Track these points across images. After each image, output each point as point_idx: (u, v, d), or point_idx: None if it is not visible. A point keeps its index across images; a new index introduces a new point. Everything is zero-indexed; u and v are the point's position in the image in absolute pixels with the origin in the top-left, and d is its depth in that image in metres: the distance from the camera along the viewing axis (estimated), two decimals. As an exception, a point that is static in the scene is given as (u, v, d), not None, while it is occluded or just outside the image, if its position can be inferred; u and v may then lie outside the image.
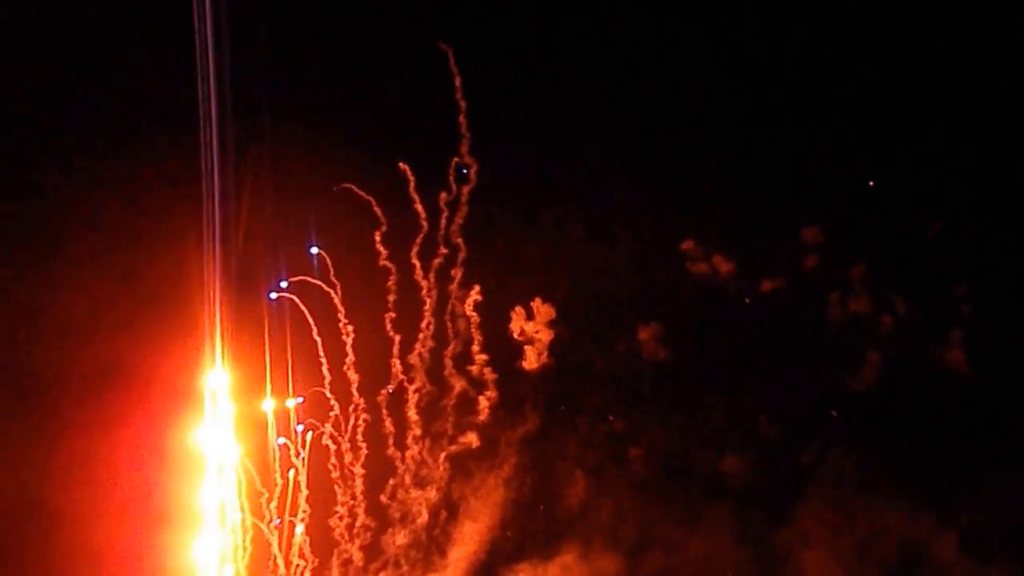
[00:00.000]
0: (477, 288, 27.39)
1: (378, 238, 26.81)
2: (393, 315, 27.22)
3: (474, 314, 27.50)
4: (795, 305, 27.66)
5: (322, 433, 27.18)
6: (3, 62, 25.11)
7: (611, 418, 28.30)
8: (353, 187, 26.28)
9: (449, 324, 27.48)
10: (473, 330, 27.56)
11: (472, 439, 27.65)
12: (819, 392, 27.56)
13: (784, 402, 27.58)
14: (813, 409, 27.62)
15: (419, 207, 26.53)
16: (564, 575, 27.67)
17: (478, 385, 27.69)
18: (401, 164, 26.21)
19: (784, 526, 27.35)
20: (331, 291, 27.06)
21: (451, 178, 26.44)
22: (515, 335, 27.80)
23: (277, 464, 26.88)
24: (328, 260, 27.12)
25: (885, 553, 26.93)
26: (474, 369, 27.64)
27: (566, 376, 28.14)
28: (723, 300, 28.02)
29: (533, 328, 27.83)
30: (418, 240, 26.83)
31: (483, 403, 27.61)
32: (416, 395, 27.48)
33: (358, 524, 27.37)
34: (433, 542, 27.82)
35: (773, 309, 27.75)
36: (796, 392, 27.54)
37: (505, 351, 27.74)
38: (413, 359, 27.43)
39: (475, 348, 27.57)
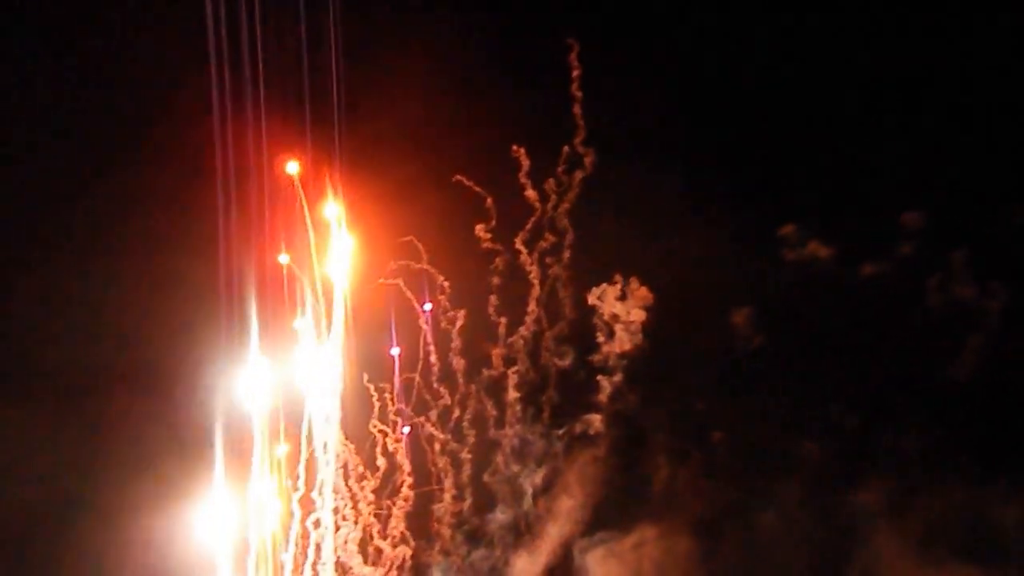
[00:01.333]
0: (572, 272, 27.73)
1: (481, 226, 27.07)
2: (496, 299, 27.58)
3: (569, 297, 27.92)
4: (893, 291, 27.94)
5: (426, 418, 27.60)
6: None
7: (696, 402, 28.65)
8: (463, 178, 26.36)
9: (549, 308, 27.86)
10: (573, 312, 27.95)
11: (572, 421, 28.05)
12: (909, 377, 27.77)
13: (871, 387, 27.91)
14: (901, 394, 27.84)
15: (530, 192, 26.60)
16: (638, 550, 28.19)
17: (577, 368, 28.12)
18: (515, 147, 26.20)
19: (859, 507, 27.75)
20: (436, 277, 27.31)
21: (561, 168, 26.55)
22: (609, 317, 28.09)
23: (379, 449, 27.26)
24: (426, 247, 27.27)
25: (959, 535, 27.18)
26: (574, 351, 28.07)
27: (658, 358, 28.48)
28: (820, 286, 28.32)
29: (627, 310, 28.11)
30: (527, 226, 27.07)
31: (584, 384, 27.98)
32: (517, 377, 27.89)
33: (459, 507, 27.93)
34: (528, 521, 28.34)
35: (870, 295, 28.09)
36: (885, 377, 27.86)
37: (602, 333, 28.03)
38: (516, 342, 27.74)
39: (575, 330, 27.97)
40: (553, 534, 28.20)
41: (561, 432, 28.10)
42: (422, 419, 27.50)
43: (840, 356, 27.95)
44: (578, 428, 28.11)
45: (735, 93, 27.54)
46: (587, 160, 26.35)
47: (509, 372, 27.88)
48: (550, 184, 26.88)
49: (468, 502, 27.90)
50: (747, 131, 27.41)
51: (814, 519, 27.49)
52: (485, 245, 27.29)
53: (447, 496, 27.70)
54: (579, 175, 26.66)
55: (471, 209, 26.78)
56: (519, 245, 27.38)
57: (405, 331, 27.43)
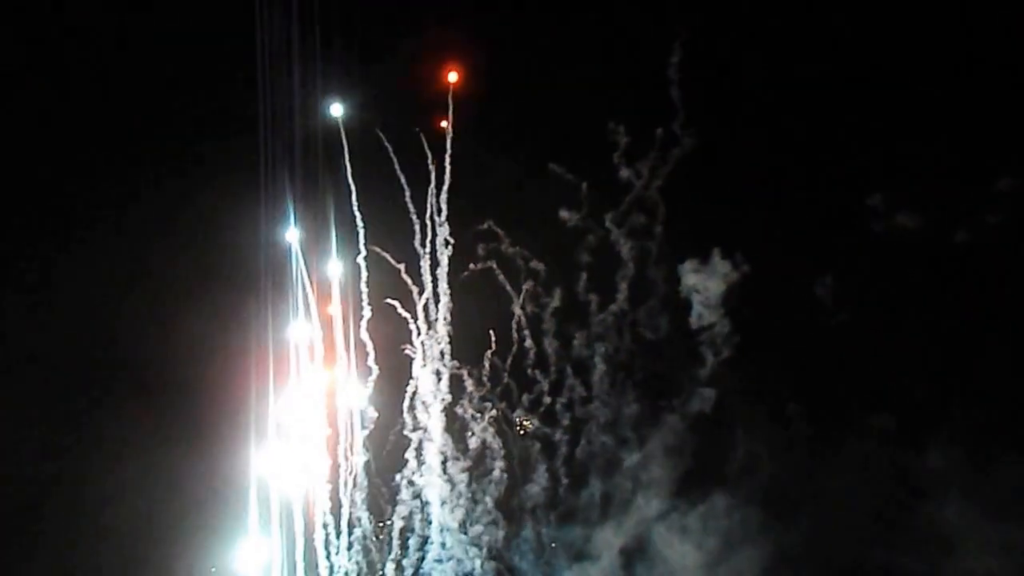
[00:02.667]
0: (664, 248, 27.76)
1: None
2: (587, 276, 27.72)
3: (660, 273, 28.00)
4: (983, 260, 27.96)
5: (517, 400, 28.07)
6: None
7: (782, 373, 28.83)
8: (555, 166, 26.34)
9: (640, 284, 28.03)
10: (665, 288, 28.13)
11: (662, 395, 28.41)
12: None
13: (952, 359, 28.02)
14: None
15: (625, 172, 26.60)
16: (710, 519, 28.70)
17: (668, 342, 28.38)
18: (611, 125, 26.09)
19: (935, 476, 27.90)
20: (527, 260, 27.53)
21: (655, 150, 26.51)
22: (697, 291, 28.29)
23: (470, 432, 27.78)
24: (518, 231, 27.42)
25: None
26: (664, 326, 28.22)
27: (746, 332, 28.67)
28: (909, 255, 28.36)
29: (715, 284, 28.30)
30: (619, 206, 27.13)
31: (675, 359, 28.30)
32: (608, 354, 28.20)
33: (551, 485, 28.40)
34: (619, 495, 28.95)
35: (958, 265, 28.08)
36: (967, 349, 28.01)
37: (691, 307, 28.24)
38: (607, 319, 28.04)
39: (666, 306, 28.13)
40: (642, 507, 28.87)
41: (652, 406, 28.47)
42: (504, 402, 27.92)
43: (924, 327, 28.14)
44: (669, 401, 28.42)
45: (823, 70, 27.22)
46: (682, 140, 26.15)
47: (599, 349, 28.18)
48: (643, 165, 26.79)
49: (558, 481, 28.31)
50: (837, 108, 27.23)
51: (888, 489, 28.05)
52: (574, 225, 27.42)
53: (539, 475, 28.17)
54: (674, 154, 26.49)
55: (565, 193, 26.93)
56: (610, 224, 27.45)
57: (498, 315, 27.75)
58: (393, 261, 26.87)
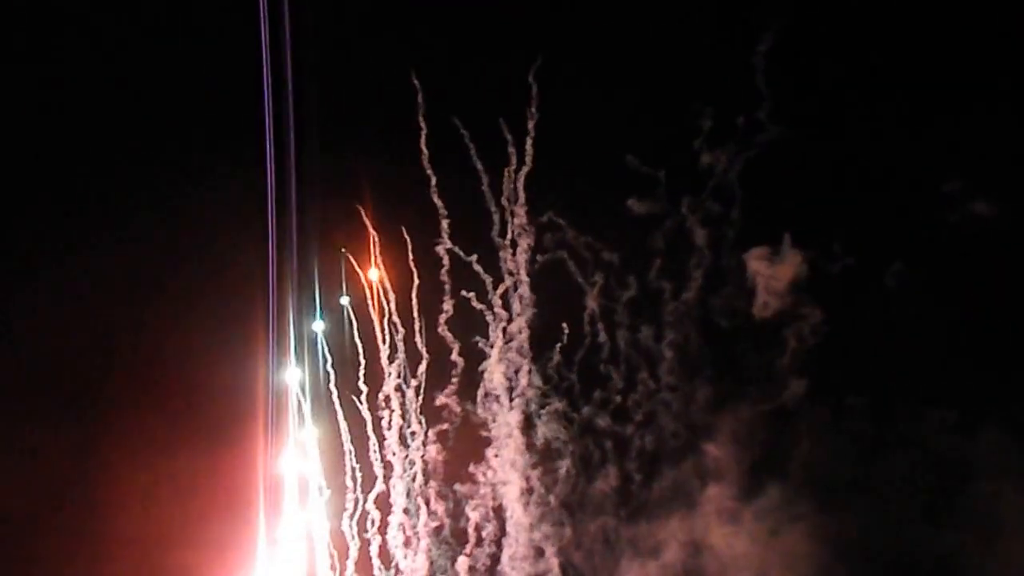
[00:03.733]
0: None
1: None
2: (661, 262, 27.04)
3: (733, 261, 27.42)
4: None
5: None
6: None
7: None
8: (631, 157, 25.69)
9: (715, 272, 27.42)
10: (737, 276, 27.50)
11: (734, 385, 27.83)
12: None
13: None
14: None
15: (706, 158, 26.00)
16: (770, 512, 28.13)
17: (740, 332, 27.81)
18: (696, 107, 25.48)
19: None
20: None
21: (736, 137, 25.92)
22: (766, 279, 27.71)
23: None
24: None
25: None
26: (736, 315, 27.61)
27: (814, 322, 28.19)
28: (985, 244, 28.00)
29: (786, 272, 27.77)
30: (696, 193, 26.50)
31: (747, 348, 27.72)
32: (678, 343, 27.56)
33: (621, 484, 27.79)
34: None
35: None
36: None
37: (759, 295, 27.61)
38: (680, 308, 27.41)
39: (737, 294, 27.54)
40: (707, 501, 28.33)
41: (721, 398, 27.88)
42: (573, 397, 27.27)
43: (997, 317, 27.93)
44: (738, 393, 27.84)
45: (903, 57, 26.86)
46: (766, 127, 25.61)
47: (670, 340, 27.51)
48: (723, 152, 26.24)
49: (627, 477, 27.69)
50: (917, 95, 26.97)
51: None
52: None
53: (608, 471, 27.53)
54: (756, 142, 25.95)
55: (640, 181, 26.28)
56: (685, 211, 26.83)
57: (568, 307, 27.04)
58: (462, 253, 26.20)
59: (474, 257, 26.21)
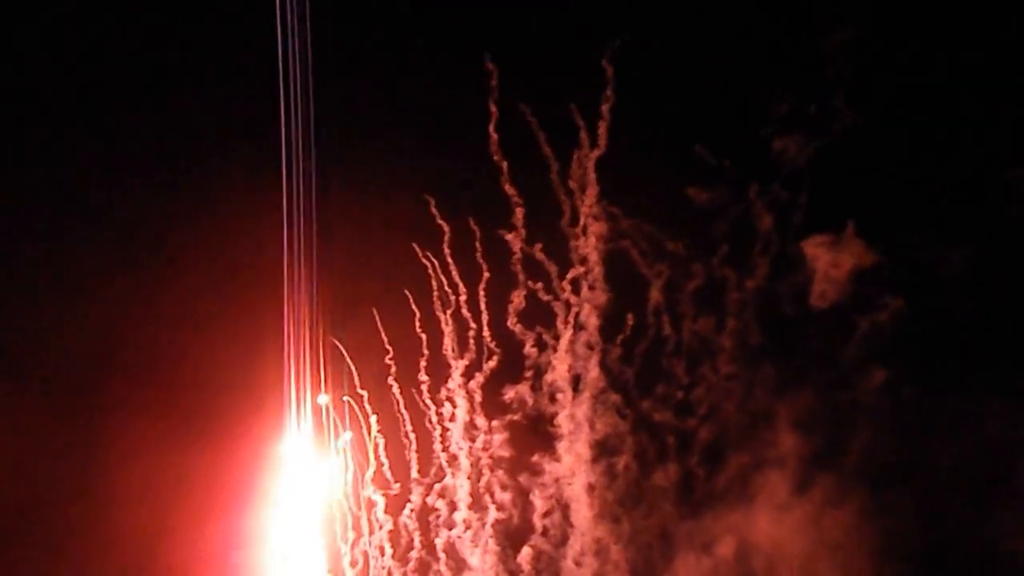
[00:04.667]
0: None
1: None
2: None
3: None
4: None
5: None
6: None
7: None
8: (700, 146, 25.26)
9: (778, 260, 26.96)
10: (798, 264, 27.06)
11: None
12: None
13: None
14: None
15: (777, 144, 25.50)
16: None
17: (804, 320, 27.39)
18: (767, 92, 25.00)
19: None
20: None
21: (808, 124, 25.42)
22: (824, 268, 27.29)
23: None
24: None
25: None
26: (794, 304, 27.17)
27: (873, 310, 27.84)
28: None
29: (844, 259, 27.37)
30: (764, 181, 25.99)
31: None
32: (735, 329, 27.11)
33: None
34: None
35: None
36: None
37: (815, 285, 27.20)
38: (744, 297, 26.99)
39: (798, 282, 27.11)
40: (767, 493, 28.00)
41: (783, 388, 27.51)
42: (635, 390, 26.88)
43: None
44: (800, 383, 27.44)
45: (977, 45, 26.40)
46: (841, 114, 25.12)
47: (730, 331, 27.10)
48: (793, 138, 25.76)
49: (688, 470, 27.27)
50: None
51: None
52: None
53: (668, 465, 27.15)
54: (827, 130, 25.47)
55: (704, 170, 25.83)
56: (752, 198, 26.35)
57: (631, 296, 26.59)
58: (526, 242, 25.73)
59: (538, 246, 25.68)
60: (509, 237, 24.96)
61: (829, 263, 27.12)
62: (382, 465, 25.53)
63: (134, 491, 25.65)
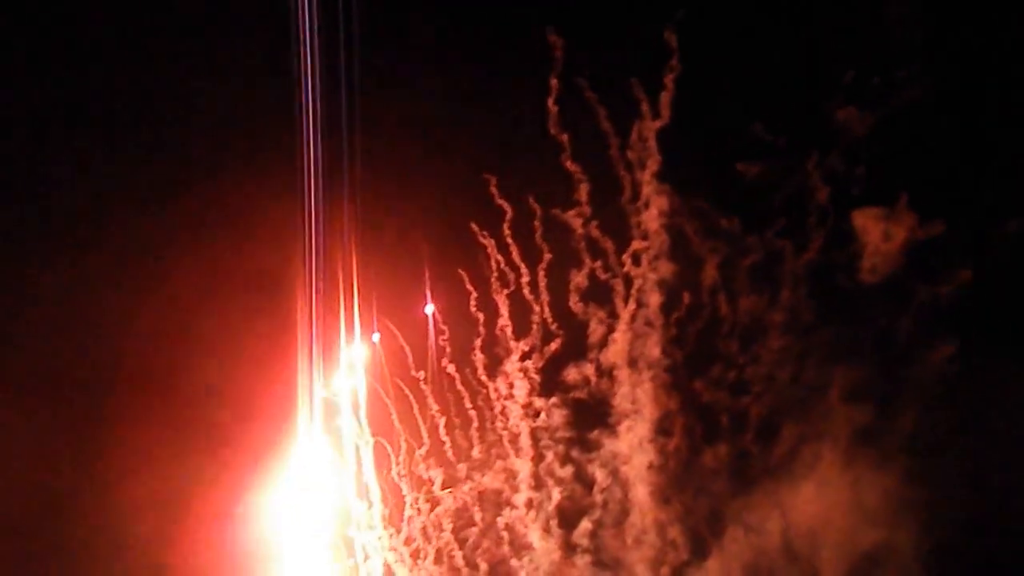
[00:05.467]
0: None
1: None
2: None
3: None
4: None
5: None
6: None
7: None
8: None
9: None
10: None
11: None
12: None
13: None
14: None
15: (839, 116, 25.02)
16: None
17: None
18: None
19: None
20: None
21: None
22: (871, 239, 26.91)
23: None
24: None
25: None
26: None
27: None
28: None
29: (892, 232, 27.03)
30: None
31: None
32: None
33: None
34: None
35: None
36: None
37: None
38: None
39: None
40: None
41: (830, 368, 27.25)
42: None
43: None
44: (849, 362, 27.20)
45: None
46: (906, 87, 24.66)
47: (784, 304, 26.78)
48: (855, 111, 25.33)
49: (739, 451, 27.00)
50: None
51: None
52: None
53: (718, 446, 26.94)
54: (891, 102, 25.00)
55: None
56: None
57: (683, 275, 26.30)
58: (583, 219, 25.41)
59: (594, 223, 25.37)
60: (570, 215, 24.56)
61: (882, 236, 26.94)
62: (443, 444, 25.48)
63: (141, 500, 25.59)
